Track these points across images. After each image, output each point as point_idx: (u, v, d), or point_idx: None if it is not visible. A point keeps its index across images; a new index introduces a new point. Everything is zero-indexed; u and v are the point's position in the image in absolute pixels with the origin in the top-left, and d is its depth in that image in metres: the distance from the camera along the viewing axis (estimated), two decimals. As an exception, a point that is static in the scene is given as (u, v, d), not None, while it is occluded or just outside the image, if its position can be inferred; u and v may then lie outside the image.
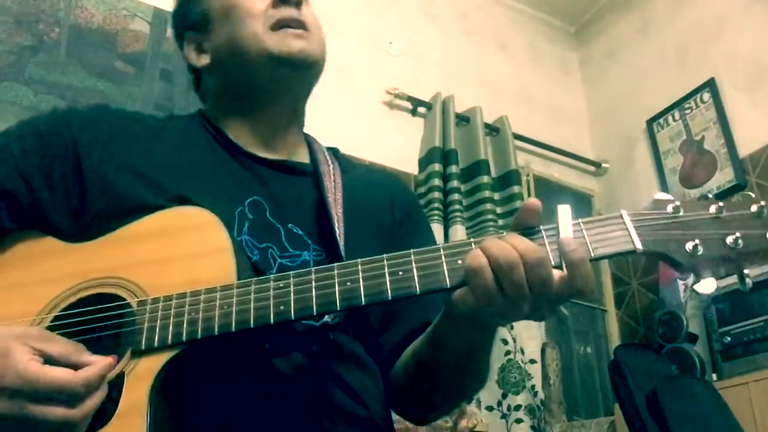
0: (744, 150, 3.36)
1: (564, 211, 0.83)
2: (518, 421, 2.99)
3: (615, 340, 3.71)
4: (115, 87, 2.76)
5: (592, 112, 4.37)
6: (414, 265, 0.83)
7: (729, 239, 0.80)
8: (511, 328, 3.13)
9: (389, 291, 0.83)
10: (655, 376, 2.38)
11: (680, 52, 3.81)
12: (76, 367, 0.79)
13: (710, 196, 0.83)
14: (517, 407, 3.01)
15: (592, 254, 0.81)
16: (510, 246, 0.78)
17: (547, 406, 3.04)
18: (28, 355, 0.77)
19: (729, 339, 2.87)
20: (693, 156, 3.59)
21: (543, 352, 3.15)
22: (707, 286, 0.80)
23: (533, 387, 3.08)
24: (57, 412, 0.76)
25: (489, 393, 3.02)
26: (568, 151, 4.07)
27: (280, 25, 1.11)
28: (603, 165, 4.15)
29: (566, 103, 4.34)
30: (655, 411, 2.20)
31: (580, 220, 0.84)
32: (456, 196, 3.29)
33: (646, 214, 0.83)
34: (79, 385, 0.78)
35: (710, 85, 3.57)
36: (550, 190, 3.84)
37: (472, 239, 0.84)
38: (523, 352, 3.13)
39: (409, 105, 3.61)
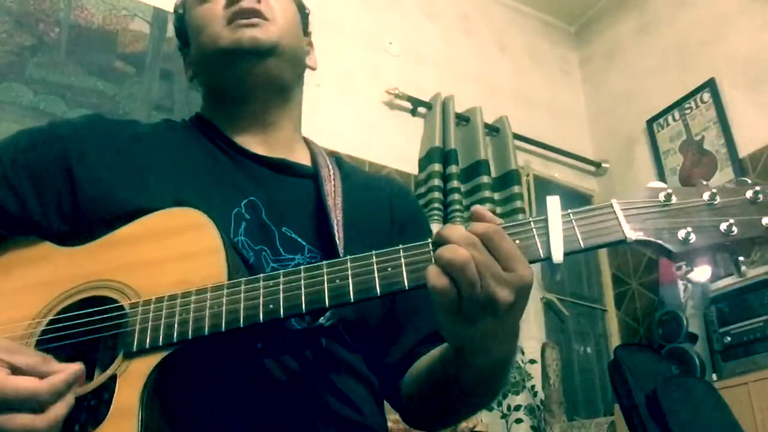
0: (744, 150, 3.36)
1: (553, 203, 0.82)
2: (518, 421, 2.99)
3: (615, 340, 3.71)
4: (115, 87, 2.77)
5: (592, 112, 4.37)
6: (403, 260, 0.82)
7: (723, 226, 0.78)
8: (511, 328, 3.13)
9: (378, 287, 0.82)
10: (655, 376, 2.37)
11: (680, 52, 3.81)
12: (43, 376, 0.79)
13: (704, 183, 0.81)
14: (517, 407, 3.00)
15: (582, 245, 0.80)
16: (454, 245, 0.76)
17: (547, 406, 3.03)
18: None
19: (729, 339, 2.87)
20: (693, 156, 3.60)
21: (543, 352, 3.15)
22: (701, 274, 0.79)
23: (533, 387, 3.08)
24: (21, 419, 0.75)
25: (489, 393, 3.02)
26: (568, 151, 4.08)
27: (232, 19, 1.12)
28: (603, 165, 4.16)
29: (566, 103, 4.34)
30: (655, 411, 2.20)
31: (570, 210, 0.82)
32: (456, 196, 3.29)
33: (638, 203, 0.81)
34: (44, 391, 0.77)
35: (710, 85, 3.58)
36: (550, 190, 3.84)
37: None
38: (523, 352, 3.12)
39: (409, 105, 3.61)
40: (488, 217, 0.80)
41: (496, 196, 3.47)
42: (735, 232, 0.78)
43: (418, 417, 1.12)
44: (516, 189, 3.49)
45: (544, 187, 3.83)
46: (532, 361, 3.12)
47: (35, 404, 0.76)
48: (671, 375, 2.48)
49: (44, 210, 1.01)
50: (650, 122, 3.88)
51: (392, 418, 2.11)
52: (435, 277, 0.76)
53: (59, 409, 0.78)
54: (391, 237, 1.16)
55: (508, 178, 3.55)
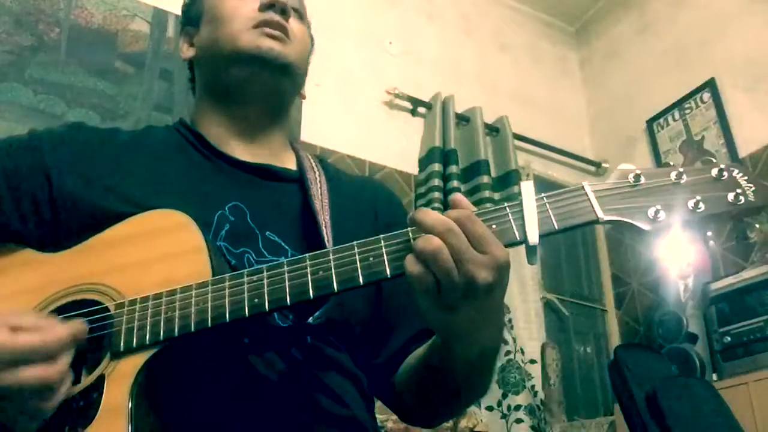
0: (744, 150, 3.35)
1: (527, 187, 0.85)
2: (518, 421, 2.98)
3: (615, 340, 3.71)
4: (115, 87, 2.78)
5: (592, 112, 4.37)
6: (384, 249, 0.84)
7: (690, 203, 0.81)
8: (512, 328, 3.13)
9: (361, 276, 0.83)
10: (655, 376, 2.35)
11: (680, 52, 3.81)
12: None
13: (672, 163, 0.83)
14: (517, 407, 3.00)
15: (556, 226, 0.82)
16: (432, 236, 0.78)
17: (547, 406, 3.03)
18: None
19: (729, 339, 2.86)
20: (693, 156, 3.59)
21: (543, 352, 3.14)
22: (672, 249, 0.82)
23: (533, 387, 3.08)
24: (34, 371, 0.77)
25: (489, 393, 3.01)
26: (568, 151, 4.07)
27: (259, 25, 1.14)
28: (603, 165, 4.15)
29: (566, 103, 4.34)
30: (655, 411, 2.18)
31: (543, 194, 0.85)
32: (456, 196, 3.28)
33: (608, 184, 0.84)
34: (52, 341, 0.79)
35: (710, 85, 3.57)
36: (550, 190, 3.84)
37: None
38: (523, 352, 3.12)
39: (409, 105, 3.62)
40: (464, 203, 0.83)
41: (496, 196, 3.46)
42: (702, 208, 0.81)
43: (412, 413, 1.13)
44: (516, 189, 3.48)
45: (545, 187, 3.81)
46: (532, 361, 3.11)
47: (44, 356, 0.78)
48: (671, 375, 2.47)
49: (23, 218, 1.02)
50: (650, 122, 3.87)
51: (393, 418, 2.11)
52: (410, 264, 0.78)
53: (67, 359, 0.81)
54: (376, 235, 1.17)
55: (508, 178, 3.54)
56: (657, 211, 0.81)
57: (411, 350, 1.08)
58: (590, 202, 0.83)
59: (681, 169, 0.83)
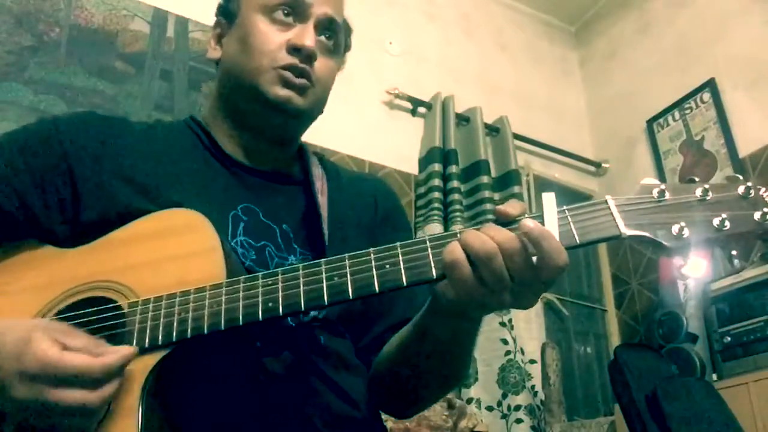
0: (744, 150, 3.35)
1: (548, 199, 0.84)
2: (518, 421, 2.98)
3: (615, 340, 3.71)
4: (115, 87, 2.77)
5: (592, 112, 4.37)
6: (401, 257, 0.84)
7: (715, 221, 0.80)
8: (512, 328, 3.13)
9: (376, 284, 0.83)
10: (655, 376, 2.36)
11: (680, 52, 3.80)
12: (96, 356, 0.80)
13: (697, 180, 0.83)
14: (517, 407, 3.00)
15: (578, 240, 0.81)
16: (488, 237, 0.79)
17: (547, 406, 3.03)
18: (48, 342, 0.78)
19: (729, 339, 2.86)
20: (693, 156, 3.59)
21: (543, 352, 3.14)
22: (696, 268, 0.81)
23: (533, 387, 3.08)
24: (75, 395, 0.77)
25: (489, 393, 3.02)
26: (568, 151, 4.07)
27: (283, 68, 1.10)
28: (603, 165, 4.15)
29: (566, 103, 4.34)
30: (655, 411, 2.19)
31: (565, 207, 0.84)
32: (456, 196, 3.28)
33: (632, 199, 0.83)
34: (98, 369, 0.78)
35: (710, 85, 3.57)
36: (550, 190, 3.83)
37: (458, 230, 0.84)
38: (523, 352, 3.12)
39: (409, 105, 3.61)
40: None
41: (496, 196, 3.46)
42: (728, 226, 0.80)
43: (388, 397, 1.13)
44: (516, 189, 3.48)
45: (544, 187, 3.83)
46: (532, 361, 3.11)
47: (88, 380, 0.78)
48: (671, 375, 2.48)
49: (49, 215, 1.02)
50: (650, 122, 3.87)
51: (393, 418, 2.11)
52: (458, 269, 0.79)
53: (111, 388, 0.80)
54: (374, 230, 1.19)
55: (508, 178, 3.54)
56: (681, 228, 0.80)
57: (388, 337, 1.10)
58: (613, 216, 0.82)
59: (706, 186, 0.82)
